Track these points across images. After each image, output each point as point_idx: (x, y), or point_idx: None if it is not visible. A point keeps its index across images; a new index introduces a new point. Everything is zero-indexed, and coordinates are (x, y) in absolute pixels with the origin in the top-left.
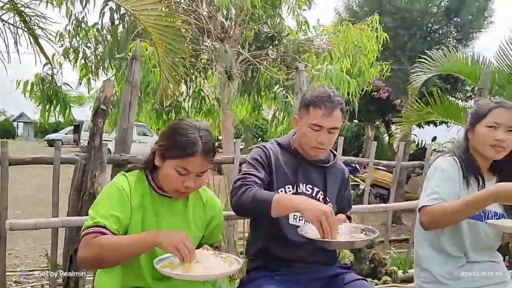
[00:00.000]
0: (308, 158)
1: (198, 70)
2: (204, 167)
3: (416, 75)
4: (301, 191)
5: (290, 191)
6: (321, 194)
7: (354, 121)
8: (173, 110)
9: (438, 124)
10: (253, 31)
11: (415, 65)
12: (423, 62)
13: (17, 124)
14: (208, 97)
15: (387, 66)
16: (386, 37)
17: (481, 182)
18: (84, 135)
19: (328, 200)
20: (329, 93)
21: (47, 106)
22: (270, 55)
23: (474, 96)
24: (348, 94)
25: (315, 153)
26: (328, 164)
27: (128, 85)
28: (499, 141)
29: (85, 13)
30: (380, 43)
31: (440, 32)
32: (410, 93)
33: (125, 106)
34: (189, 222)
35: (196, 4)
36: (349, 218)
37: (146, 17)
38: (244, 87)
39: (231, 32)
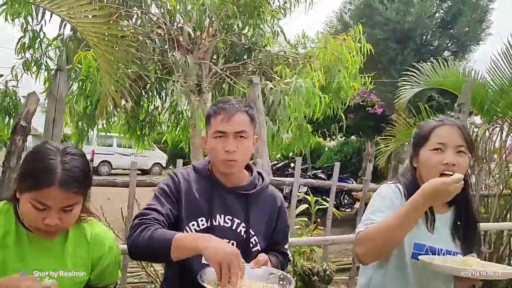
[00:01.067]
0: (227, 183)
1: (160, 82)
2: (68, 200)
3: (404, 89)
4: (217, 223)
5: (203, 224)
6: (243, 227)
7: (352, 137)
8: (147, 125)
9: None
10: (228, 43)
11: (402, 78)
12: (411, 75)
13: None
14: (186, 112)
15: (369, 78)
16: (370, 49)
17: (429, 215)
18: (85, 149)
19: (253, 233)
20: (229, 99)
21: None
22: (248, 67)
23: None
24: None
25: (227, 168)
26: (254, 191)
27: (52, 99)
28: (448, 166)
29: (42, 25)
30: (363, 55)
31: (434, 44)
32: (397, 108)
33: (48, 123)
34: (66, 263)
35: (163, 14)
36: (284, 254)
37: (84, 25)
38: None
39: (201, 44)
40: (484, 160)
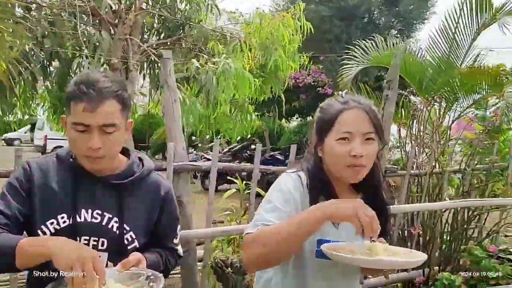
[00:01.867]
0: (95, 172)
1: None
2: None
3: (347, 68)
4: (82, 219)
5: (65, 222)
6: (116, 222)
7: (308, 118)
8: None
9: None
10: (159, 17)
11: (344, 56)
12: (354, 54)
13: None
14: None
15: (308, 58)
16: (310, 27)
17: None
18: (38, 134)
19: (128, 229)
20: (96, 78)
21: None
22: (182, 44)
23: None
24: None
25: (90, 164)
26: (130, 179)
27: None
28: (355, 158)
29: None
30: (302, 33)
31: (380, 22)
32: (341, 88)
33: None
34: None
35: None
36: (171, 250)
37: None
38: (155, 81)
39: (127, 18)
40: (418, 140)
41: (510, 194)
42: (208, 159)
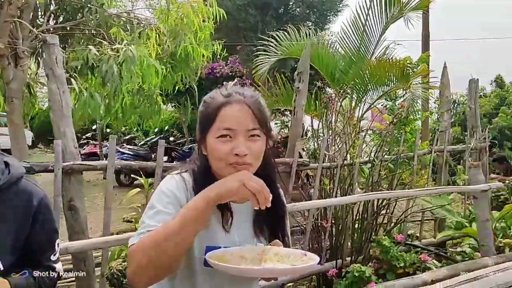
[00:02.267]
0: None
1: None
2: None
3: (261, 59)
4: None
5: None
6: None
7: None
8: None
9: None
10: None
11: (259, 47)
12: (268, 45)
13: None
14: None
15: (220, 45)
16: (223, 14)
17: (225, 211)
18: None
19: None
20: None
21: None
22: (84, 30)
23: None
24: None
25: None
26: None
27: None
28: (239, 157)
29: None
30: (213, 20)
31: (295, 13)
32: (256, 79)
33: None
34: None
35: None
36: (48, 268)
37: None
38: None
39: None
40: (330, 132)
41: (416, 183)
42: (123, 153)
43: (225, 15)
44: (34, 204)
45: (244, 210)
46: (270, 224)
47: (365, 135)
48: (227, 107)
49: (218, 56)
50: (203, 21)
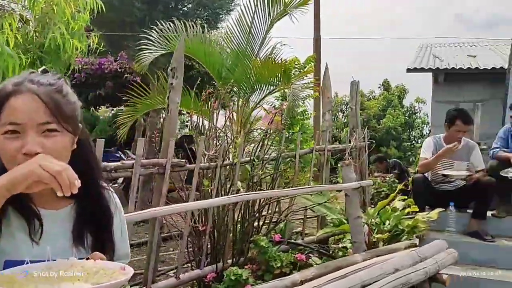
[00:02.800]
0: None
1: None
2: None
3: (144, 53)
4: None
5: None
6: None
7: (102, 107)
8: None
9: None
10: None
11: (141, 42)
12: (152, 39)
13: None
14: None
15: (97, 38)
16: (100, 5)
17: (31, 217)
18: None
19: None
20: None
21: None
22: None
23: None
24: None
25: None
26: None
27: None
28: (29, 157)
29: None
30: (90, 11)
31: (186, 9)
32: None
33: None
34: None
35: None
36: None
37: None
38: None
39: None
40: (212, 131)
41: (297, 181)
42: None
43: (103, 6)
44: None
45: (61, 217)
46: (93, 230)
47: (246, 134)
48: (15, 98)
49: (96, 50)
50: (78, 11)
